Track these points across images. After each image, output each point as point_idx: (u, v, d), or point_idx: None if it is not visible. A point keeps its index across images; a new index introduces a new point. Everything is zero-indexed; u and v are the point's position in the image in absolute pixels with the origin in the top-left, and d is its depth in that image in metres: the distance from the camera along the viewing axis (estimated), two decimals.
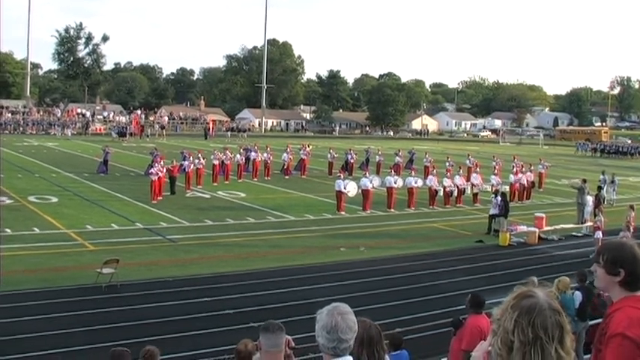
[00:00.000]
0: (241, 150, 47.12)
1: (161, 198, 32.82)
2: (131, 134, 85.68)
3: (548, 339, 2.68)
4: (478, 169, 41.05)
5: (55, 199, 32.03)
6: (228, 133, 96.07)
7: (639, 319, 3.51)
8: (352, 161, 48.62)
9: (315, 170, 48.22)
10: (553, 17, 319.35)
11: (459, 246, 25.51)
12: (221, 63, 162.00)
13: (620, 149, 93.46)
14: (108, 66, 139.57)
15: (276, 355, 4.90)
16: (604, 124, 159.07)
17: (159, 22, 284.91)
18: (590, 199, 30.98)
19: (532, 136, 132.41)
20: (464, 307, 10.62)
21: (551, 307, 2.73)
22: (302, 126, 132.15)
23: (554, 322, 2.70)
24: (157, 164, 34.08)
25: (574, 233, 28.73)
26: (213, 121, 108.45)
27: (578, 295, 13.45)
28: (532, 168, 42.02)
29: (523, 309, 2.72)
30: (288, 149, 47.64)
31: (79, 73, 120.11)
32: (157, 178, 32.82)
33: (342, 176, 34.14)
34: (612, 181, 39.28)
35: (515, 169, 39.90)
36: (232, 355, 8.14)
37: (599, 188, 34.41)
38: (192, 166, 37.40)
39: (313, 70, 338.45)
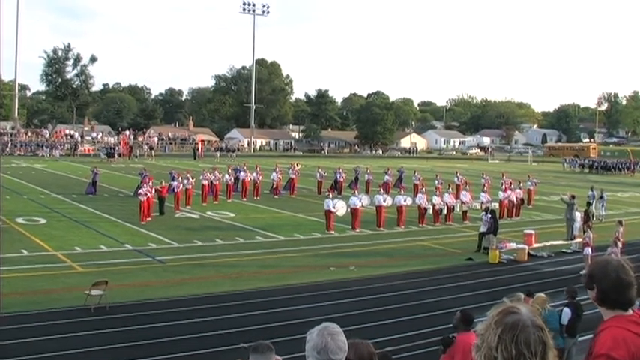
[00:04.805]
0: (230, 170, 47.15)
1: (150, 219, 32.72)
2: (120, 155, 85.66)
3: (531, 355, 2.69)
4: (467, 186, 41.14)
5: (43, 221, 31.89)
6: (217, 153, 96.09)
7: (624, 340, 3.51)
8: (341, 180, 48.65)
9: (304, 190, 48.19)
10: (540, 35, 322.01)
11: (448, 264, 25.50)
12: (210, 83, 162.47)
13: (608, 165, 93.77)
14: (96, 87, 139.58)
15: None
16: (592, 140, 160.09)
17: (147, 43, 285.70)
18: (578, 215, 31.08)
19: (521, 153, 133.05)
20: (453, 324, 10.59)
21: (534, 323, 2.75)
22: (291, 145, 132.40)
23: (537, 338, 2.72)
24: (145, 185, 33.98)
25: (563, 250, 28.79)
26: (202, 141, 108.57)
27: (567, 312, 13.44)
28: (521, 185, 42.15)
29: (507, 325, 2.74)
30: (277, 169, 47.65)
31: (67, 94, 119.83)
32: (145, 198, 32.75)
33: (331, 195, 34.15)
34: (601, 197, 39.38)
35: (504, 187, 40.05)
36: None
37: (588, 204, 34.52)
38: (181, 186, 37.30)
39: (302, 89, 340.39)
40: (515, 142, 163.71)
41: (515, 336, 2.71)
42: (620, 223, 26.29)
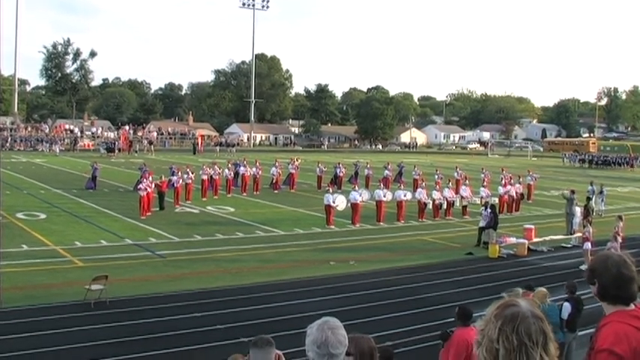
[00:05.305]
0: (230, 165, 47.12)
1: (150, 214, 32.72)
2: (119, 150, 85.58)
3: (533, 345, 2.71)
4: (467, 181, 41.13)
5: (43, 216, 31.89)
6: (217, 147, 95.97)
7: (626, 335, 3.51)
8: (341, 175, 48.64)
9: (304, 184, 48.17)
10: (540, 30, 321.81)
11: (448, 258, 25.51)
12: (209, 78, 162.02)
13: (608, 160, 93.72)
14: (96, 82, 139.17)
15: None
16: (592, 135, 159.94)
17: (147, 38, 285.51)
18: (578, 210, 31.09)
19: (520, 147, 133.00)
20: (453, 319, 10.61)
21: (533, 314, 2.77)
22: (291, 140, 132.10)
23: (537, 328, 2.74)
24: (145, 180, 33.98)
25: (563, 244, 28.79)
26: (202, 136, 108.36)
27: (567, 307, 13.42)
28: (521, 180, 42.14)
29: (507, 317, 2.76)
30: (277, 163, 47.61)
31: (66, 89, 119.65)
32: (145, 193, 32.75)
33: (331, 190, 34.14)
34: (601, 192, 39.38)
35: (503, 181, 40.01)
36: None
37: (588, 199, 34.51)
38: (180, 181, 37.30)
39: (301, 84, 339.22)
40: (515, 137, 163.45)
41: (515, 327, 2.73)
42: (619, 218, 26.28)
